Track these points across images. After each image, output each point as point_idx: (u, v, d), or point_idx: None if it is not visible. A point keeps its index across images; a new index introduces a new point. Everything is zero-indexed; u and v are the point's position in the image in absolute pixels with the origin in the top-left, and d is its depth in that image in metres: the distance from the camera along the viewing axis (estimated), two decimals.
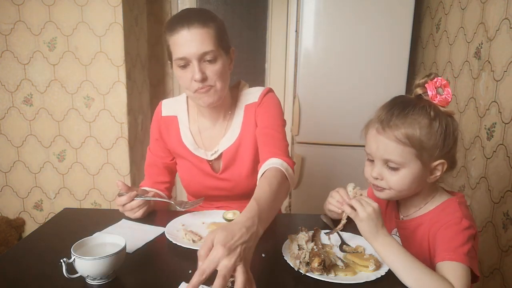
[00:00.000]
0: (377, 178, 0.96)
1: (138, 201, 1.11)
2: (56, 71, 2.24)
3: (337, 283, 0.80)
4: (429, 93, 0.91)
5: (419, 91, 0.93)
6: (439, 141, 0.90)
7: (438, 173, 0.94)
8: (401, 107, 0.92)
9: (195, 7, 2.83)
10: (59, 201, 2.41)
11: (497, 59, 1.60)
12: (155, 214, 1.20)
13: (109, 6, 2.15)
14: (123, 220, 1.11)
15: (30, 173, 2.38)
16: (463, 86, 1.88)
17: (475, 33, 1.78)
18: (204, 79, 1.12)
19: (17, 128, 2.32)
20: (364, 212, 0.86)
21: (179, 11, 2.80)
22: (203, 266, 0.67)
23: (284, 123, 1.25)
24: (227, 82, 1.21)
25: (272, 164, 1.05)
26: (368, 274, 0.83)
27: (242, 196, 1.28)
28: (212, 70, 1.13)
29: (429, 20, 2.36)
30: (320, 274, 0.82)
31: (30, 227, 2.45)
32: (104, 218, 1.12)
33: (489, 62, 1.65)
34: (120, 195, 1.12)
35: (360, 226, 0.87)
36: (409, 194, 0.97)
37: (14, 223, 2.38)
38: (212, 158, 1.27)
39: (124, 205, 1.11)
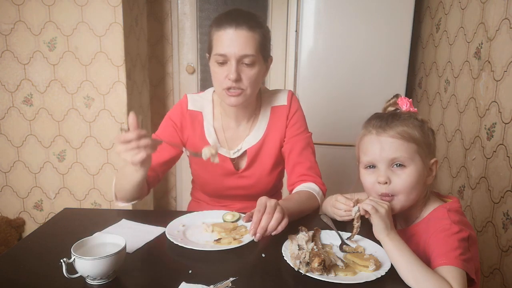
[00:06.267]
0: (385, 183, 0.95)
1: (147, 140, 0.96)
2: (56, 71, 2.24)
3: (337, 283, 0.80)
4: (404, 107, 1.00)
5: (391, 108, 1.02)
6: (431, 139, 0.97)
7: (434, 173, 0.98)
8: (391, 114, 0.99)
9: (194, 7, 2.83)
10: (59, 201, 2.41)
11: (497, 59, 1.60)
12: (155, 214, 1.20)
13: (109, 6, 2.15)
14: (123, 220, 1.11)
15: (30, 173, 2.38)
16: (463, 86, 1.88)
17: (475, 33, 1.78)
18: (238, 80, 1.14)
19: (17, 128, 2.32)
20: (383, 208, 0.89)
21: (179, 11, 2.82)
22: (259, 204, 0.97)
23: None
24: (258, 88, 1.24)
25: (310, 189, 1.22)
26: (368, 274, 0.83)
27: (259, 195, 1.25)
28: (247, 74, 1.15)
29: (429, 20, 2.36)
30: (320, 274, 0.82)
31: (30, 227, 2.44)
32: (104, 218, 1.12)
33: (489, 62, 1.65)
34: (123, 130, 0.98)
35: (378, 222, 0.88)
36: (416, 198, 0.97)
37: (14, 223, 2.38)
38: (235, 156, 1.29)
39: (129, 141, 0.96)
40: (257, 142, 1.29)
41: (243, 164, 1.31)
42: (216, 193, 1.35)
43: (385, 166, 0.95)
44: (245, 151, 1.30)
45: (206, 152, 1.09)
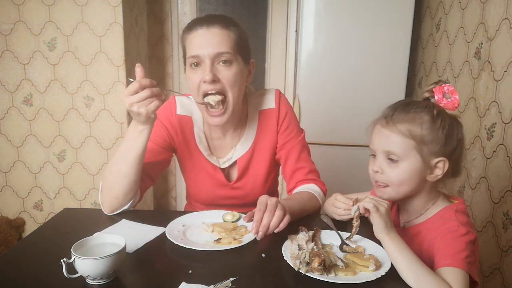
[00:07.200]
0: (377, 172, 0.98)
1: (158, 88, 0.95)
2: (56, 71, 2.24)
3: (337, 283, 0.80)
4: (436, 96, 0.96)
5: (427, 94, 0.99)
6: (440, 137, 0.93)
7: (439, 172, 0.95)
8: (404, 105, 0.98)
9: (194, 7, 2.83)
10: (59, 201, 2.41)
11: (497, 59, 1.60)
12: (155, 214, 1.20)
13: (109, 6, 2.15)
14: (123, 220, 1.10)
15: (30, 173, 2.38)
16: (463, 86, 1.88)
17: (475, 33, 1.78)
18: (214, 81, 1.05)
19: (17, 128, 2.32)
20: (383, 207, 0.89)
21: (179, 11, 2.82)
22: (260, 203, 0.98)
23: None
24: (241, 95, 1.14)
25: (311, 190, 1.20)
26: (368, 274, 0.83)
27: (254, 203, 1.21)
28: (225, 74, 1.06)
29: (429, 20, 2.36)
30: (320, 274, 0.82)
31: (30, 227, 2.45)
32: (104, 218, 1.12)
33: (489, 62, 1.65)
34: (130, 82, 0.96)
35: (378, 220, 0.88)
36: (408, 192, 0.98)
37: (14, 223, 2.38)
38: (225, 166, 1.25)
39: (141, 91, 0.93)
40: (247, 151, 1.23)
41: (234, 174, 1.26)
42: (210, 202, 1.30)
43: (381, 157, 0.98)
44: (235, 161, 1.24)
45: (213, 98, 1.07)
